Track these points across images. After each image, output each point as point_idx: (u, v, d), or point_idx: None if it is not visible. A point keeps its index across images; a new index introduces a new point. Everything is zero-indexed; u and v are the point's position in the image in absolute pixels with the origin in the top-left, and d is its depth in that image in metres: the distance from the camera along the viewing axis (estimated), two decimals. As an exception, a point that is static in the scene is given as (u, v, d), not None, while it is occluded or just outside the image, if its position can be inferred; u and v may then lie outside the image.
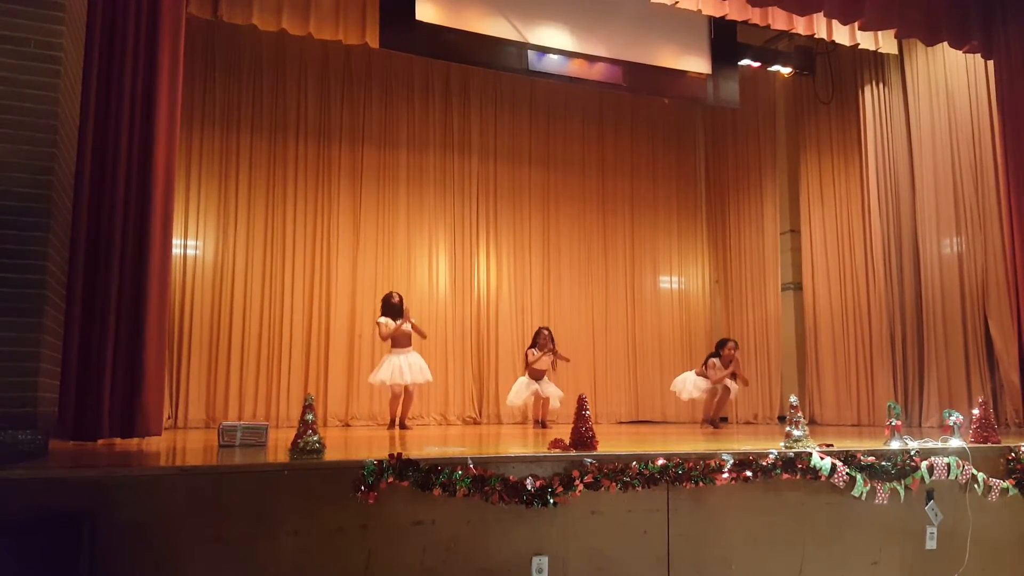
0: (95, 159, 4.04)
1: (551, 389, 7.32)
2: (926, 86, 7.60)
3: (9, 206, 3.29)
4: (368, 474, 2.87)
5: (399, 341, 7.00)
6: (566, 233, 9.66)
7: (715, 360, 7.59)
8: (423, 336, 7.30)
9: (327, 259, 8.38)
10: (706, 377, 7.58)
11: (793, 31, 6.77)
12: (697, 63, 7.95)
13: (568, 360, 7.49)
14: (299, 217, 8.33)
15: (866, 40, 6.95)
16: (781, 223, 9.29)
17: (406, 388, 6.93)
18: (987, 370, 6.83)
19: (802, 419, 3.88)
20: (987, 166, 6.90)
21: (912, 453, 3.84)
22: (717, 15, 6.66)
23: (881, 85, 8.05)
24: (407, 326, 7.00)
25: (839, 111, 8.56)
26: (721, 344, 7.74)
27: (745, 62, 8.35)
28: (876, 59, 8.01)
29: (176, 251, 7.44)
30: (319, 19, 6.62)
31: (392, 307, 7.07)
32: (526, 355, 7.36)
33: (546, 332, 7.32)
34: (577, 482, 3.17)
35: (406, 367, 6.87)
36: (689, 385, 7.60)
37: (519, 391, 7.31)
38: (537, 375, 7.32)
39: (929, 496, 3.87)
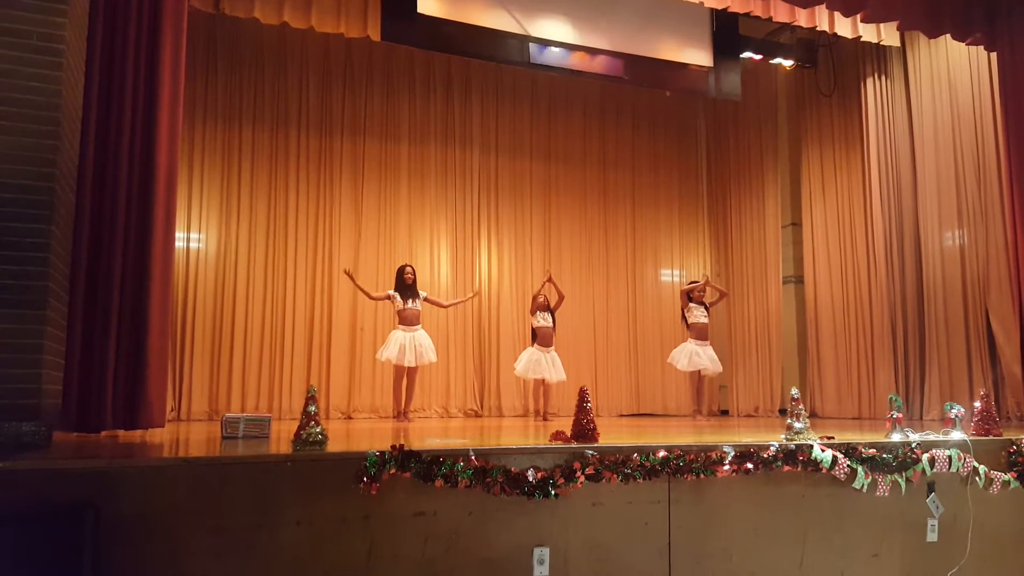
0: (98, 151, 4.04)
1: (554, 370, 7.30)
2: (928, 78, 7.58)
3: (12, 198, 3.30)
4: (370, 465, 2.88)
5: (407, 318, 7.02)
6: (567, 226, 9.66)
7: (693, 307, 7.70)
8: (442, 306, 7.54)
9: (329, 251, 8.39)
10: (690, 305, 7.72)
11: (795, 23, 6.76)
12: (699, 56, 7.94)
13: (562, 296, 7.47)
14: (301, 210, 8.35)
15: (868, 32, 6.94)
16: (782, 216, 9.28)
17: (408, 372, 6.96)
18: (988, 363, 6.83)
19: (803, 412, 3.88)
20: (989, 158, 6.89)
21: (913, 445, 3.84)
22: (719, 7, 6.64)
23: (883, 77, 8.03)
24: (418, 304, 7.08)
25: (841, 104, 8.55)
26: (688, 293, 7.85)
27: (747, 54, 8.33)
28: (878, 51, 7.98)
29: (179, 244, 7.46)
30: (320, 12, 6.62)
31: (404, 284, 7.10)
32: (534, 298, 7.47)
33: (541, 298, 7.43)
34: (578, 474, 3.18)
35: (410, 348, 6.89)
36: (684, 358, 7.62)
37: (527, 365, 7.31)
38: (545, 340, 7.32)
39: (930, 489, 3.88)
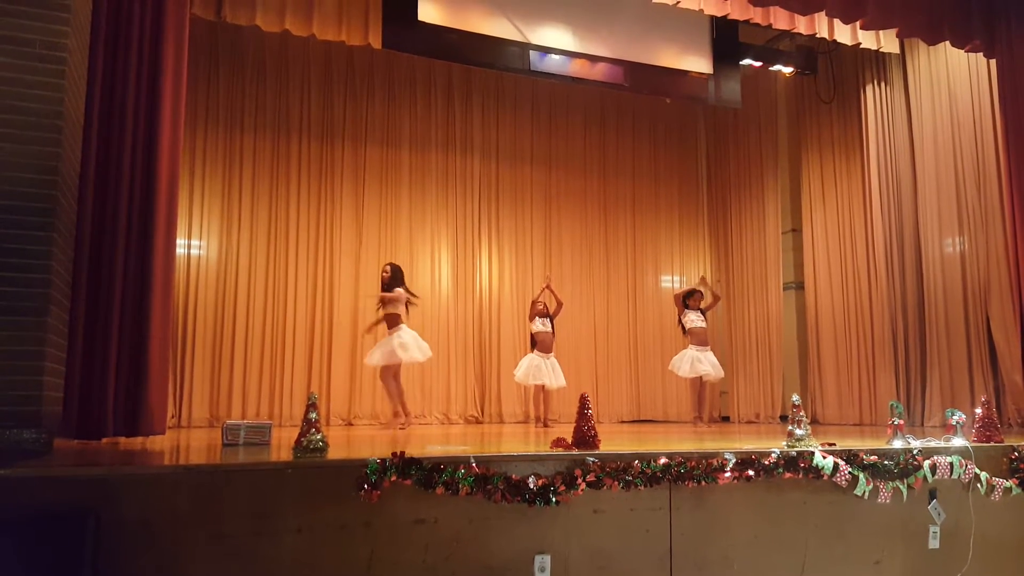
0: (100, 159, 4.05)
1: (554, 376, 7.29)
2: (928, 85, 7.59)
3: (14, 205, 3.30)
4: (371, 472, 2.88)
5: (392, 319, 6.98)
6: (568, 232, 9.67)
7: (688, 312, 7.74)
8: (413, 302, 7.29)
9: (330, 258, 8.41)
10: (686, 311, 7.78)
11: (795, 31, 6.77)
12: (699, 63, 7.95)
13: (561, 303, 7.46)
14: (302, 216, 8.36)
15: (868, 39, 6.95)
16: (783, 222, 9.29)
17: (396, 371, 6.93)
18: (989, 369, 6.82)
19: (804, 418, 3.88)
20: (989, 165, 6.90)
21: (915, 452, 3.84)
22: (719, 15, 6.66)
23: (883, 84, 8.04)
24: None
25: (841, 110, 8.56)
26: (688, 296, 7.86)
27: (747, 62, 8.34)
28: (878, 58, 8.00)
29: (180, 251, 7.47)
30: (322, 20, 6.63)
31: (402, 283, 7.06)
32: (533, 304, 7.47)
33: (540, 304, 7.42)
34: (579, 481, 3.18)
35: (411, 342, 6.86)
36: (686, 364, 7.63)
37: (527, 371, 7.29)
38: (544, 346, 7.31)
39: (932, 495, 3.87)
